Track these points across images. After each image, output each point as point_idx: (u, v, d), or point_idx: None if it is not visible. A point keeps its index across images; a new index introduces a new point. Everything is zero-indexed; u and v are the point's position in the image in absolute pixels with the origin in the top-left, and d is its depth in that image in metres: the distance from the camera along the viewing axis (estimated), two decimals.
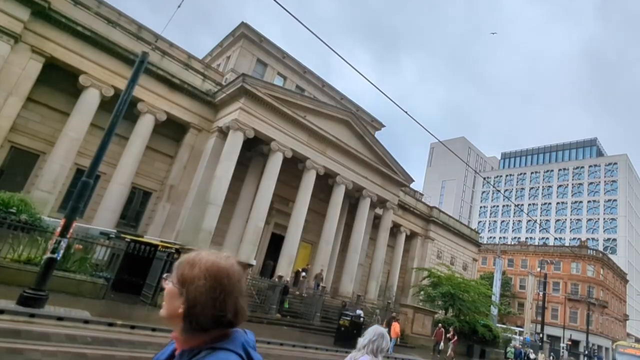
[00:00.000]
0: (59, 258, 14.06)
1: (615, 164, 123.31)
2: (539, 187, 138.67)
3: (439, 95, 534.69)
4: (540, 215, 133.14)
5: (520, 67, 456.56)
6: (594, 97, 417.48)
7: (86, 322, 13.44)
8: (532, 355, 43.62)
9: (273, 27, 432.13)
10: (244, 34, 44.19)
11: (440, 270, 45.89)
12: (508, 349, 40.42)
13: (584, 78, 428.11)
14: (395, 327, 28.37)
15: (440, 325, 33.85)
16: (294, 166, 35.12)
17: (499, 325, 63.10)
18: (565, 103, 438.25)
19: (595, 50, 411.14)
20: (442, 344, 32.49)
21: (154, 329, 15.16)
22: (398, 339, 29.31)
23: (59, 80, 27.75)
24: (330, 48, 13.16)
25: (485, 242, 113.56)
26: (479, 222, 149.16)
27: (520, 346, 47.89)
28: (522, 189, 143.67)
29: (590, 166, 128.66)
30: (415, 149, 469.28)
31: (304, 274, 33.41)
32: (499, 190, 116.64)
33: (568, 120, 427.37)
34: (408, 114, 17.20)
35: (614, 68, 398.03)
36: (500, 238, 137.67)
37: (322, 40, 12.87)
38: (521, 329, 72.54)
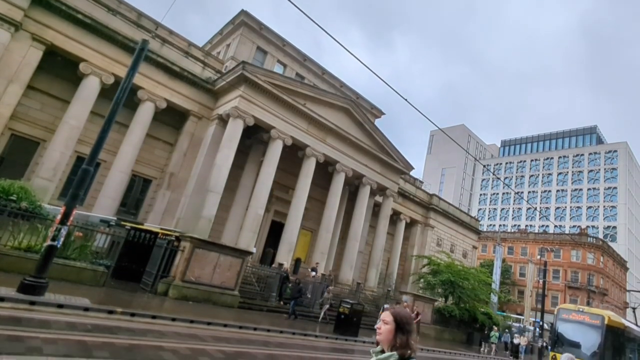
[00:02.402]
0: (59, 246, 14.11)
1: (615, 151, 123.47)
2: (538, 174, 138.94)
3: (434, 76, 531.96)
4: (540, 203, 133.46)
5: (516, 46, 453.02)
6: (592, 77, 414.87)
7: (86, 309, 13.50)
8: (515, 340, 43.59)
9: (262, 7, 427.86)
10: (244, 22, 44.04)
11: (440, 258, 45.97)
12: (492, 333, 39.77)
13: (582, 57, 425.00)
14: None
15: (406, 303, 33.31)
16: (293, 154, 35.13)
17: (499, 313, 63.32)
18: (563, 84, 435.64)
19: (592, 25, 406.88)
20: None
21: (154, 317, 15.23)
22: None
23: (59, 68, 27.68)
24: (329, 34, 13.11)
25: (485, 230, 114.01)
26: (479, 209, 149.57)
27: (507, 332, 48.22)
28: (522, 176, 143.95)
29: (590, 154, 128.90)
30: (412, 131, 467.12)
31: (313, 273, 33.20)
32: (498, 178, 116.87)
33: (566, 102, 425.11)
34: (408, 102, 17.16)
35: (612, 46, 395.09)
36: (500, 226, 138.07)
37: (317, 25, 12.82)
38: (521, 317, 72.79)
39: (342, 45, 13.62)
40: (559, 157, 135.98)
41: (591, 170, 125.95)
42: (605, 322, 23.52)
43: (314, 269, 33.59)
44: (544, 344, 46.28)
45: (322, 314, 27.24)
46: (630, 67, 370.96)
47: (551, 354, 24.63)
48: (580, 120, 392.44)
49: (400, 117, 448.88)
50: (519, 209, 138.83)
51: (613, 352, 24.07)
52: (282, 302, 28.14)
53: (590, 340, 23.71)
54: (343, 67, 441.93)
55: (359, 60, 14.00)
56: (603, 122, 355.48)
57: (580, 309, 25.46)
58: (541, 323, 54.60)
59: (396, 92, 16.30)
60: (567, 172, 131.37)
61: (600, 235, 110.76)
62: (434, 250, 52.55)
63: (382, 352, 3.68)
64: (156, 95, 30.26)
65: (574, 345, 24.16)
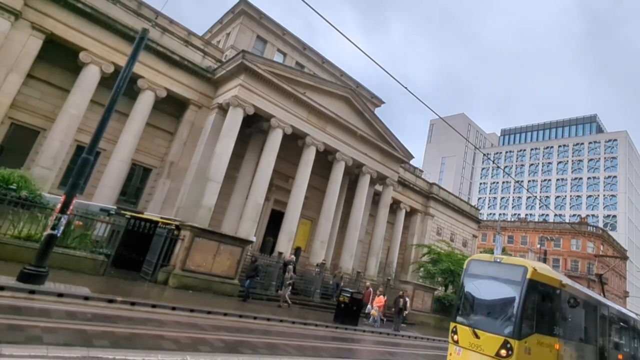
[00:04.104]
0: (59, 234, 14.11)
1: (615, 140, 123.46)
2: (538, 163, 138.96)
3: (430, 59, 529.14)
4: (540, 192, 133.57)
5: (510, 27, 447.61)
6: (591, 60, 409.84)
7: (86, 298, 13.52)
8: None
9: None
10: (244, 11, 43.93)
11: (440, 247, 45.98)
12: None
13: (579, 38, 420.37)
14: (379, 300, 28.33)
15: (368, 284, 32.77)
16: (293, 143, 35.11)
17: None
18: (562, 67, 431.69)
19: (588, 3, 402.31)
20: (369, 305, 29.54)
21: (154, 305, 15.26)
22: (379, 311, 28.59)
23: (59, 56, 27.63)
24: (327, 21, 13.04)
25: (485, 219, 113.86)
26: (479, 198, 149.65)
27: None
28: (522, 165, 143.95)
29: (590, 143, 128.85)
30: (410, 115, 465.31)
31: (317, 269, 32.91)
32: (499, 167, 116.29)
33: (565, 86, 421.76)
34: (409, 91, 17.11)
35: (609, 26, 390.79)
36: (500, 215, 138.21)
37: (314, 10, 12.75)
38: None
39: (341, 33, 13.56)
40: (559, 146, 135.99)
41: (591, 159, 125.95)
42: (528, 275, 14.95)
43: (319, 265, 33.33)
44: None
45: (282, 297, 25.99)
46: (629, 49, 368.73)
47: (451, 325, 15.76)
48: (579, 109, 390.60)
49: (398, 102, 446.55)
50: (519, 197, 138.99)
51: (541, 322, 15.39)
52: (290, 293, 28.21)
53: (505, 305, 15.31)
54: (338, 51, 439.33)
55: (359, 48, 13.95)
56: (603, 111, 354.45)
57: (497, 259, 16.63)
58: None
59: (397, 80, 16.25)
60: (567, 161, 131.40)
61: (600, 224, 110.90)
62: (434, 239, 52.56)
63: None
64: (156, 84, 30.23)
65: (483, 312, 15.96)
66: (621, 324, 23.81)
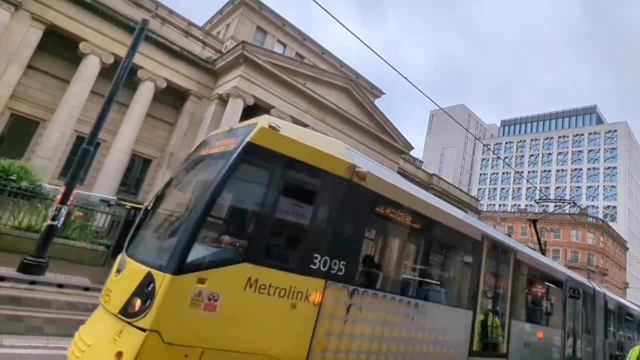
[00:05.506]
0: (59, 225, 14.10)
1: (615, 131, 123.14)
2: (538, 154, 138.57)
3: (428, 47, 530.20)
4: (540, 183, 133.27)
5: (507, 11, 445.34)
6: (590, 46, 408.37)
7: (86, 289, 13.53)
8: None
9: None
10: (244, 2, 43.78)
11: None
12: None
13: (579, 23, 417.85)
14: None
15: None
16: None
17: None
18: (560, 53, 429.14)
19: None
20: None
21: None
22: None
23: (59, 47, 27.64)
24: (325, 9, 13.00)
25: (485, 210, 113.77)
26: (479, 189, 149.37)
27: None
28: (522, 156, 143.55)
29: (590, 134, 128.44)
30: (408, 103, 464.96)
31: None
32: (499, 157, 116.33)
33: (565, 72, 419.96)
34: (408, 80, 17.04)
35: (609, 9, 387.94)
36: (500, 205, 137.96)
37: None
38: None
39: (340, 23, 13.52)
40: (559, 137, 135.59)
41: (591, 150, 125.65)
42: (249, 137, 6.20)
43: None
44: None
45: None
46: (629, 37, 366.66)
47: (117, 258, 6.80)
48: (579, 100, 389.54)
49: (396, 91, 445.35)
50: (519, 188, 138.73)
51: (272, 238, 6.41)
52: None
53: (188, 202, 6.65)
54: (335, 40, 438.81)
55: (357, 37, 13.91)
56: (603, 102, 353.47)
57: (235, 127, 7.27)
58: None
59: (396, 70, 16.21)
60: (567, 152, 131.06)
61: (600, 215, 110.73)
62: None
63: None
64: (156, 75, 30.21)
65: (156, 223, 7.39)
66: (547, 284, 15.26)
